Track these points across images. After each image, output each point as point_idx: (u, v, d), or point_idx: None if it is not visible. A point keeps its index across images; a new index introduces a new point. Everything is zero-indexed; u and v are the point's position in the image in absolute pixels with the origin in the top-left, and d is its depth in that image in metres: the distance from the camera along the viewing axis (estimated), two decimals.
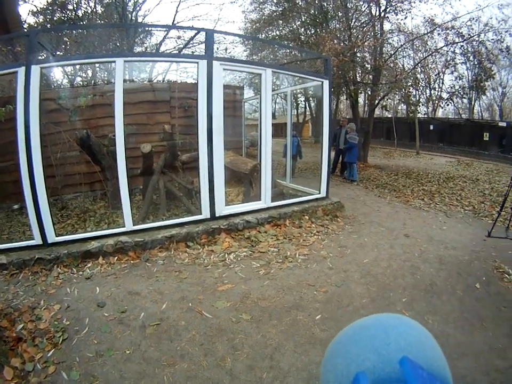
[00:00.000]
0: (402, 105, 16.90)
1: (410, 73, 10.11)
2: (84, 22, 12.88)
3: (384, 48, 10.50)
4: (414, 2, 9.87)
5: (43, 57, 6.20)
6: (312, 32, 12.25)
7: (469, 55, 10.54)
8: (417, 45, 10.64)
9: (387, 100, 11.74)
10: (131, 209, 4.04)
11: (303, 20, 12.19)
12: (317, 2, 11.12)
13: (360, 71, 10.90)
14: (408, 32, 10.66)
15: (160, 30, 13.76)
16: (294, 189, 6.24)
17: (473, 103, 23.51)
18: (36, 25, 12.68)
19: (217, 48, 10.74)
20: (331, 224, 4.91)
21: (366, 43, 9.60)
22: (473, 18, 9.55)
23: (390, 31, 10.59)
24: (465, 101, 20.53)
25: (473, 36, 9.69)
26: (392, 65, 10.00)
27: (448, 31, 9.73)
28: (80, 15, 13.09)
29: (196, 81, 4.29)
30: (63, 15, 13.02)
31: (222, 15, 34.06)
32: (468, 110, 24.26)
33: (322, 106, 5.45)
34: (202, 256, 3.84)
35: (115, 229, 4.15)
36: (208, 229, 4.23)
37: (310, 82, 6.17)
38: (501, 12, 10.33)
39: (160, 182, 5.07)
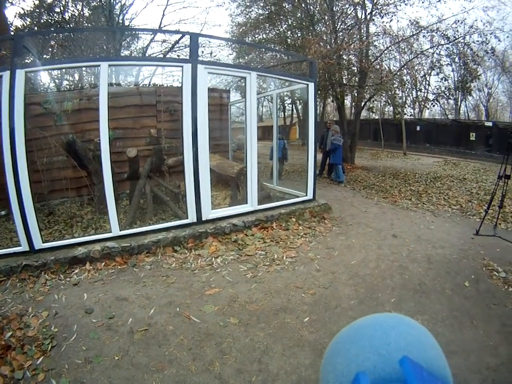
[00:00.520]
0: (389, 107, 17.10)
1: (396, 75, 10.25)
2: (71, 25, 12.76)
3: (370, 51, 10.61)
4: (400, 5, 10.01)
5: (29, 61, 6.14)
6: (299, 35, 12.29)
7: (454, 56, 10.74)
8: (403, 47, 10.79)
9: (373, 101, 11.88)
10: (118, 214, 4.01)
11: (289, 23, 12.25)
12: (303, 5, 11.19)
13: (346, 74, 11.00)
14: (393, 34, 10.81)
15: (146, 34, 13.75)
16: (281, 192, 6.25)
17: (459, 104, 23.89)
18: (22, 28, 12.53)
19: (203, 52, 10.77)
20: (318, 226, 4.93)
21: (352, 46, 9.70)
22: (458, 21, 9.70)
23: (376, 33, 10.69)
24: (451, 101, 20.93)
25: (459, 38, 9.84)
26: (378, 67, 10.13)
27: (433, 33, 9.89)
28: (67, 18, 12.98)
29: (181, 85, 4.31)
30: (50, 17, 12.90)
31: (208, 19, 34.40)
32: (454, 110, 24.63)
33: (308, 108, 5.51)
34: (190, 260, 3.83)
35: (102, 235, 4.12)
36: (195, 233, 4.22)
37: (295, 85, 6.21)
38: (486, 14, 10.62)
39: (147, 186, 5.04)
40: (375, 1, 10.07)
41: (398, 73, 10.48)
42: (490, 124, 15.66)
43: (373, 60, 10.21)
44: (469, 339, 2.52)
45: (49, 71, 10.36)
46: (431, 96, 11.77)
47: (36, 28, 12.54)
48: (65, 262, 3.66)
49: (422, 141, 17.97)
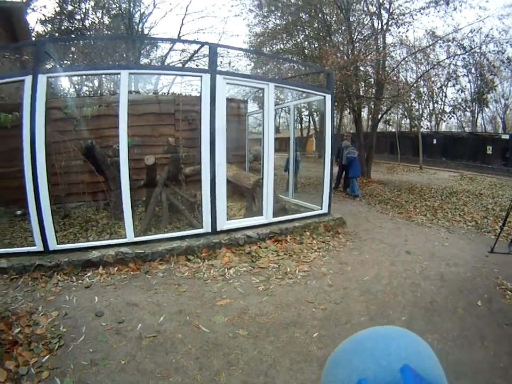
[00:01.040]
0: (405, 119, 16.95)
1: (412, 87, 10.17)
2: (91, 32, 13.11)
3: (386, 62, 10.58)
4: (416, 14, 10.01)
5: (50, 66, 6.28)
6: (316, 45, 12.34)
7: (471, 67, 10.63)
8: (420, 58, 10.74)
9: (390, 114, 11.79)
10: (133, 221, 4.06)
11: (306, 33, 12.29)
12: (320, 16, 11.24)
13: (363, 85, 10.97)
14: (410, 45, 10.77)
15: (166, 43, 13.99)
16: (296, 204, 6.21)
17: (476, 116, 23.58)
18: (43, 33, 12.94)
19: (221, 62, 10.88)
20: (332, 241, 4.89)
21: (368, 57, 9.69)
22: (474, 30, 9.64)
23: (392, 44, 10.69)
24: (468, 114, 20.63)
25: (475, 47, 9.77)
26: (395, 78, 10.07)
27: (449, 43, 9.87)
28: (88, 25, 13.34)
29: (200, 94, 4.34)
30: (71, 24, 13.28)
31: (226, 29, 34.60)
32: (471, 123, 24.31)
33: (325, 120, 5.49)
34: (202, 270, 3.84)
35: (116, 240, 4.18)
36: (209, 243, 4.23)
37: (313, 97, 6.21)
38: (501, 22, 10.40)
39: (163, 194, 5.08)
40: (391, 11, 10.07)
41: (415, 84, 10.40)
42: (507, 136, 15.39)
43: (389, 71, 10.16)
44: (479, 360, 2.46)
45: (70, 77, 10.63)
46: (447, 109, 11.63)
47: (56, 34, 12.94)
48: (78, 264, 3.72)
49: (439, 154, 17.73)
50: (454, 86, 10.69)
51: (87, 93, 12.55)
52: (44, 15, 12.82)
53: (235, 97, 10.12)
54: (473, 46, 9.71)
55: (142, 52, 13.12)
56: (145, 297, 3.21)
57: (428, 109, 14.28)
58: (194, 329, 2.73)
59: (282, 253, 4.35)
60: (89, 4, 13.21)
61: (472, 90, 16.28)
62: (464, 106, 11.10)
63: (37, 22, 12.96)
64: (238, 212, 5.86)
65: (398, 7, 9.93)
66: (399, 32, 10.19)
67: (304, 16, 11.81)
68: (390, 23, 10.15)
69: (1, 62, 7.51)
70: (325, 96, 5.36)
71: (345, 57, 9.66)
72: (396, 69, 10.38)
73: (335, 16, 11.20)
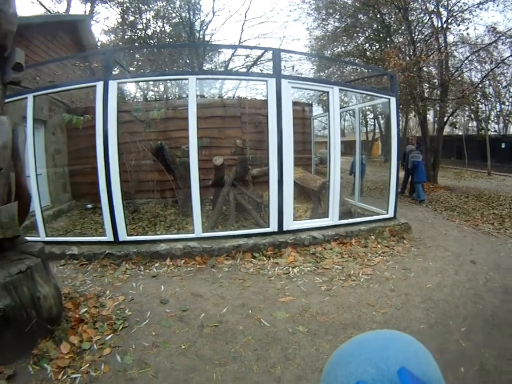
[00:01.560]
0: (472, 122, 15.84)
1: (478, 87, 9.55)
2: (154, 41, 13.94)
3: (449, 62, 10.06)
4: (475, 10, 9.53)
5: (118, 72, 6.78)
6: (377, 47, 12.04)
7: None
8: (483, 56, 10.07)
9: (456, 116, 11.12)
10: (201, 218, 4.28)
11: (366, 35, 12.05)
12: (378, 16, 10.97)
13: (427, 87, 10.51)
14: (472, 43, 10.15)
15: (229, 49, 14.39)
16: (361, 208, 6.16)
17: None
18: (108, 43, 14.04)
19: (284, 66, 10.98)
20: (397, 246, 4.78)
21: (430, 57, 9.29)
22: None
23: (454, 43, 10.17)
24: None
25: None
26: (459, 79, 9.54)
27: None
28: (150, 34, 14.21)
29: (265, 98, 4.48)
30: (134, 34, 14.24)
31: (286, 33, 34.42)
32: None
33: (390, 124, 5.38)
34: (267, 267, 3.95)
35: (184, 234, 4.45)
36: (274, 241, 4.34)
37: (377, 100, 6.11)
38: None
39: (231, 194, 5.26)
40: (449, 8, 9.60)
41: (480, 85, 9.76)
42: None
43: (453, 71, 9.64)
44: None
45: (137, 82, 11.44)
46: None
47: (120, 43, 13.94)
48: (146, 255, 3.99)
49: (508, 159, 16.26)
50: None
51: (154, 97, 13.38)
52: (106, 25, 13.91)
53: (299, 101, 10.18)
54: None
55: (205, 57, 13.67)
56: (210, 289, 3.38)
57: (495, 111, 13.26)
58: (255, 323, 2.82)
59: (347, 255, 4.34)
60: (149, 14, 14.11)
61: None
62: None
63: (101, 33, 14.12)
64: (304, 213, 5.92)
65: (456, 3, 9.48)
66: (459, 30, 9.78)
67: (362, 18, 11.60)
68: (449, 20, 9.69)
69: (73, 70, 8.31)
70: (389, 99, 5.24)
71: (408, 58, 9.33)
72: (459, 69, 9.84)
73: (393, 16, 10.89)
